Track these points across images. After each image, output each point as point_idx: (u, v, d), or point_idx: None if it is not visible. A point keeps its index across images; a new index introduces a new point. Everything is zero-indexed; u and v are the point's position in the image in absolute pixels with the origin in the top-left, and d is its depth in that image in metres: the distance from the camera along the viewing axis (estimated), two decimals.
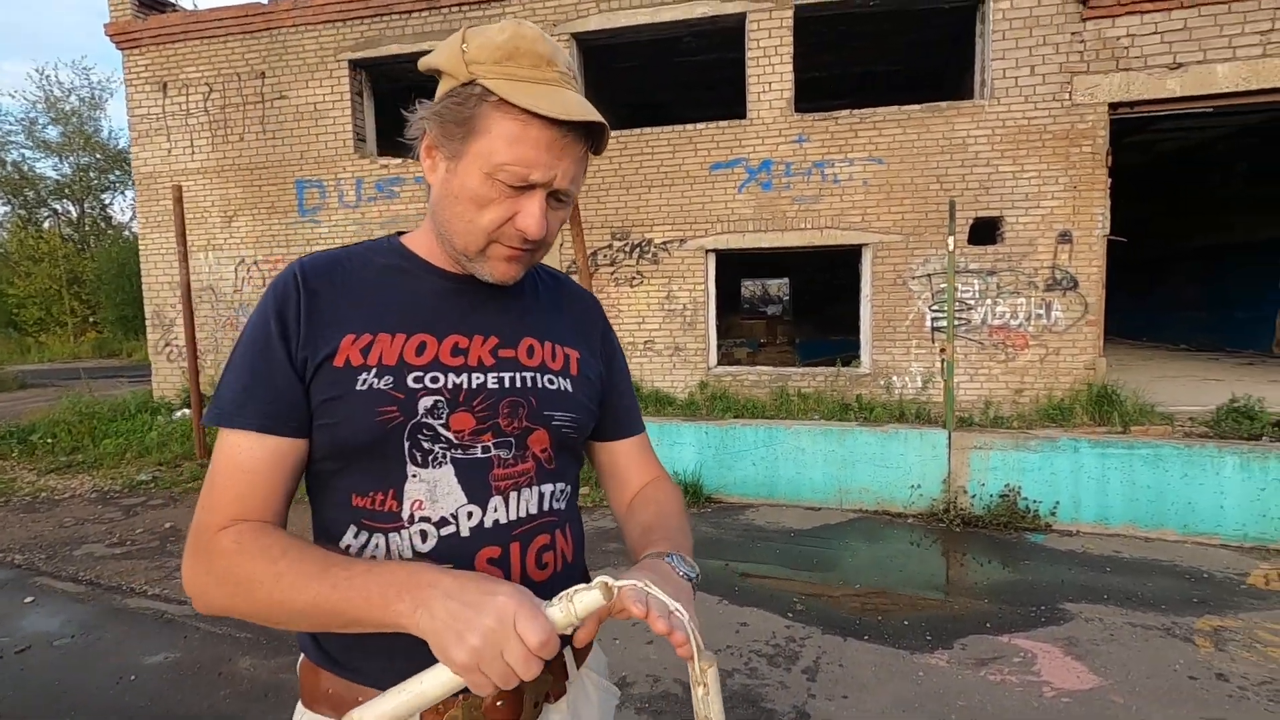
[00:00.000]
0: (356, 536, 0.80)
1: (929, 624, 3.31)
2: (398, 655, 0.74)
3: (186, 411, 8.55)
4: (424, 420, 0.80)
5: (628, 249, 8.13)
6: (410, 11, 8.40)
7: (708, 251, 7.95)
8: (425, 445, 0.80)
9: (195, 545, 0.75)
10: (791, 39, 7.52)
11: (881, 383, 7.52)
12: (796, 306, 16.61)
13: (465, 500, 0.81)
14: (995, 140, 7.07)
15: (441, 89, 0.79)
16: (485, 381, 0.84)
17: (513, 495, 0.84)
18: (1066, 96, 6.86)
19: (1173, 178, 12.20)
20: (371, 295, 0.85)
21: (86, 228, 27.41)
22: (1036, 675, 2.83)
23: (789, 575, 3.92)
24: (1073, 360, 7.07)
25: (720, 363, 8.37)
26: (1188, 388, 7.92)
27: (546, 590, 0.79)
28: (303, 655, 0.87)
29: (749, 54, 7.66)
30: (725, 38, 8.48)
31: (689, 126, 7.92)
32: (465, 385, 0.83)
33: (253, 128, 9.01)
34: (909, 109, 7.28)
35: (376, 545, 0.80)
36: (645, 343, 8.15)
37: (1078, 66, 6.82)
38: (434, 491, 0.80)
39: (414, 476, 0.80)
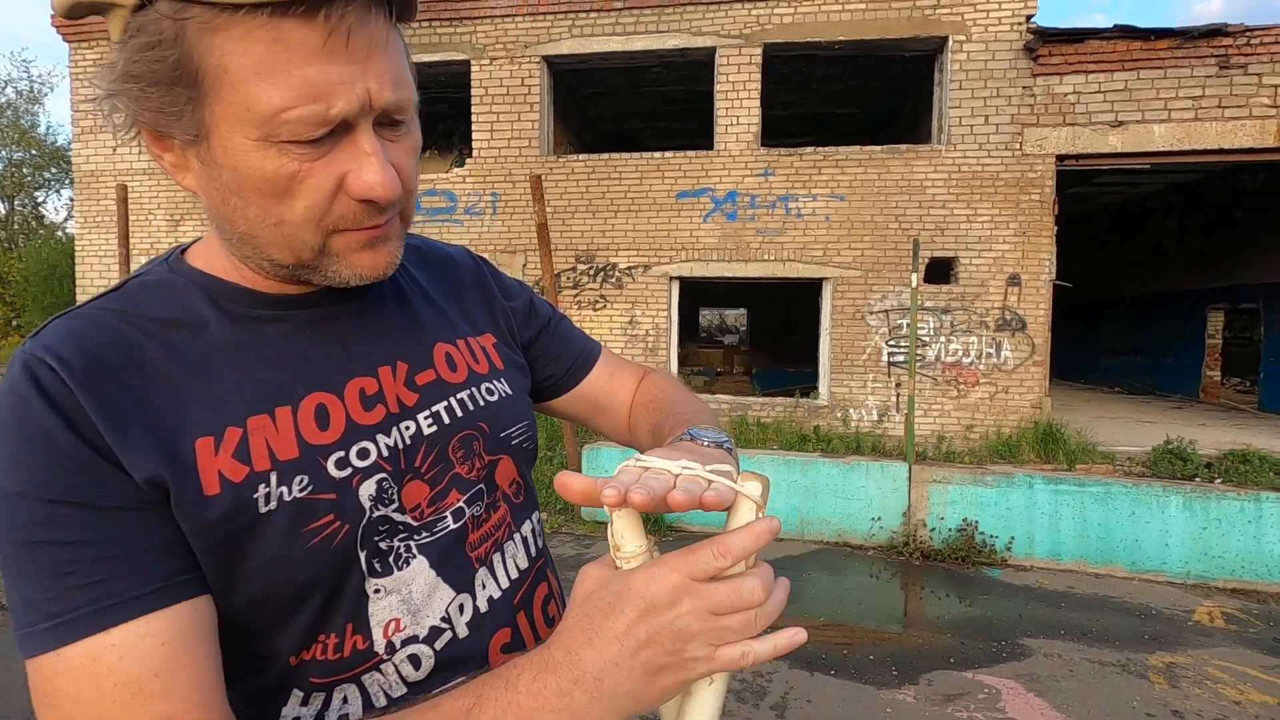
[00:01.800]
0: (307, 703, 0.56)
1: (894, 659, 3.29)
2: None
3: None
4: (376, 515, 0.57)
5: (592, 272, 8.09)
6: None
7: (672, 278, 7.98)
8: (383, 546, 0.58)
9: None
10: (759, 75, 7.70)
11: (839, 414, 7.62)
12: (753, 337, 16.83)
13: (453, 594, 0.62)
14: (951, 184, 7.34)
15: (112, 31, 0.48)
16: (419, 427, 0.62)
17: (496, 559, 0.66)
18: (1018, 146, 7.19)
19: (1110, 229, 12.90)
20: (200, 367, 0.55)
21: (16, 226, 25.98)
22: (1002, 713, 2.83)
23: None
24: (1020, 399, 7.31)
25: None
26: (1125, 428, 8.28)
27: None
28: None
29: (718, 87, 7.80)
30: (694, 70, 8.63)
31: (657, 154, 7.99)
32: (401, 442, 0.61)
33: None
34: (870, 149, 7.51)
35: (345, 699, 0.57)
36: None
37: (1028, 119, 7.17)
38: (410, 601, 0.59)
39: (377, 593, 0.57)
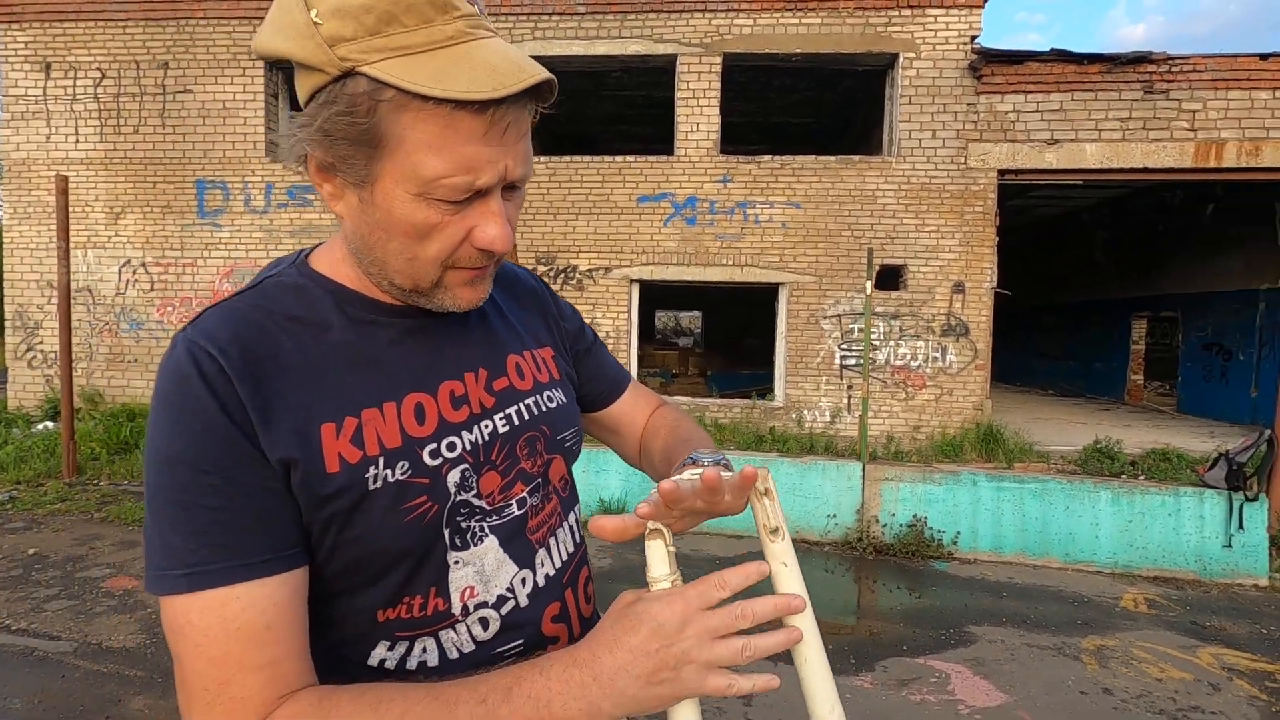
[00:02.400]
0: (392, 649, 0.67)
1: (851, 647, 3.46)
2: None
3: (50, 424, 7.68)
4: (459, 499, 0.68)
5: (553, 274, 8.12)
6: None
7: (632, 281, 8.08)
8: (463, 525, 0.68)
9: None
10: (719, 84, 7.87)
11: (794, 416, 7.85)
12: (708, 339, 17.07)
13: (516, 569, 0.72)
14: (900, 195, 7.66)
15: (305, 86, 0.58)
16: (495, 426, 0.72)
17: (551, 542, 0.77)
18: (963, 160, 7.55)
19: (1044, 240, 13.60)
20: (325, 363, 0.65)
21: None
22: (951, 694, 3.02)
23: None
24: (964, 401, 7.67)
25: None
26: (1058, 429, 8.77)
27: (594, 622, 0.79)
28: None
29: (679, 94, 7.94)
30: (654, 75, 8.76)
31: (618, 158, 8.08)
32: (481, 439, 0.70)
33: (150, 120, 8.36)
34: (825, 159, 7.77)
35: (424, 649, 0.67)
36: None
37: (972, 135, 7.54)
38: (483, 573, 0.69)
39: (456, 564, 0.68)
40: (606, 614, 0.60)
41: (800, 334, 7.84)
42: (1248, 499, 4.51)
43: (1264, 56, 7.13)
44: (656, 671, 0.55)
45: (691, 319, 21.90)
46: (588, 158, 8.14)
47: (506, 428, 0.73)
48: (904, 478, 4.95)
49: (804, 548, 4.96)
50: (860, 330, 7.69)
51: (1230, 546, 4.52)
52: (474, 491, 0.69)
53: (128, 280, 8.45)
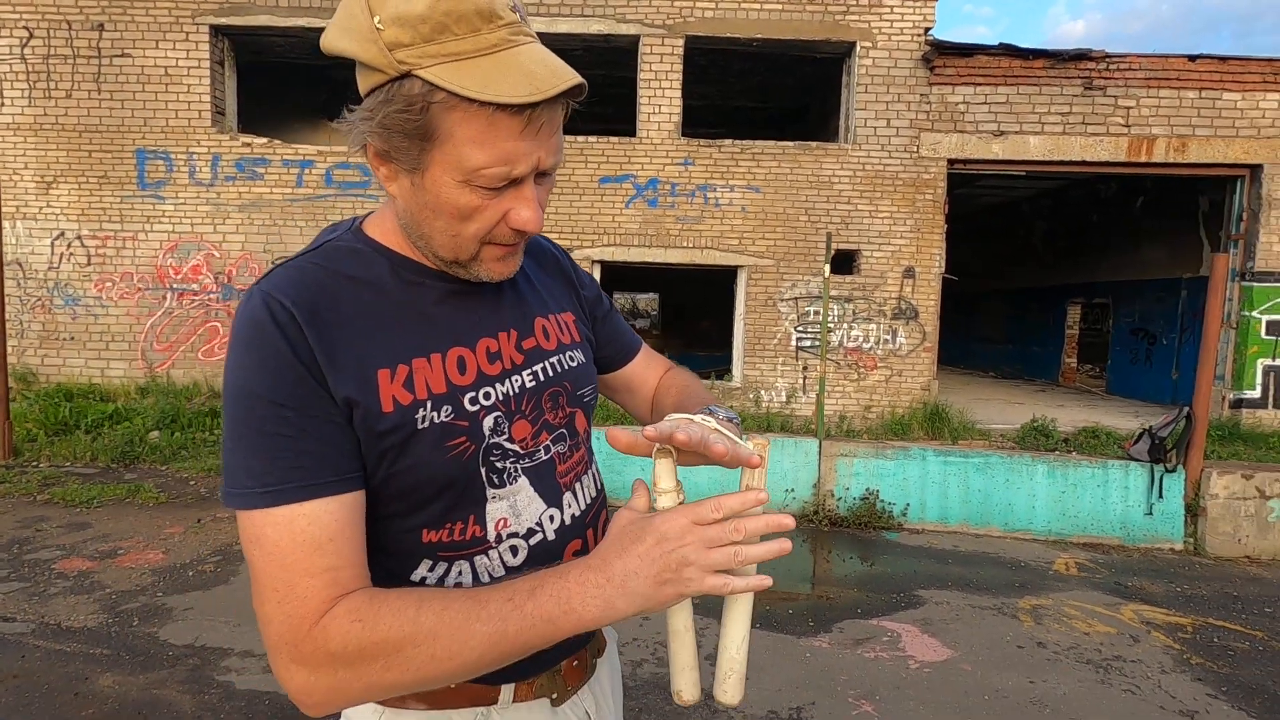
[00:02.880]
0: (433, 569, 0.76)
1: (810, 612, 3.65)
2: None
3: None
4: (492, 441, 0.77)
5: None
6: None
7: (594, 262, 8.10)
8: (498, 465, 0.77)
9: (298, 648, 0.64)
10: (681, 66, 7.92)
11: (751, 396, 8.05)
12: (665, 321, 17.20)
13: (545, 506, 0.81)
14: (856, 181, 7.88)
15: (365, 83, 0.66)
16: (524, 381, 0.81)
17: (577, 487, 0.86)
18: (915, 149, 7.81)
19: (988, 228, 14.14)
20: (381, 317, 0.74)
21: None
22: (902, 651, 3.23)
23: None
24: (913, 381, 8.00)
25: None
26: (998, 408, 9.23)
27: None
28: None
29: (641, 76, 7.96)
30: (616, 56, 8.73)
31: (580, 138, 8.06)
32: (512, 391, 0.80)
33: (84, 85, 7.93)
34: (784, 145, 7.92)
35: (460, 571, 0.77)
36: None
37: (924, 124, 7.80)
38: (515, 507, 0.79)
39: (493, 498, 0.77)
40: (610, 528, 0.69)
41: (758, 316, 8.03)
42: (1167, 471, 4.89)
43: (1192, 58, 7.57)
44: (661, 573, 0.63)
45: (649, 301, 22.00)
46: None
47: (534, 382, 0.82)
48: (858, 453, 5.18)
49: None
50: (816, 313, 7.92)
51: (1151, 514, 4.90)
52: (506, 436, 0.78)
53: (61, 254, 8.05)
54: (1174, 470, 4.89)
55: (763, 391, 8.05)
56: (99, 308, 8.04)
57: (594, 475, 0.91)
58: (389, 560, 0.75)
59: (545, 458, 0.82)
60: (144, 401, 7.52)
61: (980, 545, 4.83)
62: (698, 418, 0.76)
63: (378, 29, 0.62)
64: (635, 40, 7.96)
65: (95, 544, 4.18)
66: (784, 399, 8.05)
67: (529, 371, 0.82)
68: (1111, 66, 7.59)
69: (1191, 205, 9.12)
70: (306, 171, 8.03)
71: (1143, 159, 7.66)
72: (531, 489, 0.80)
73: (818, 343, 7.87)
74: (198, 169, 7.99)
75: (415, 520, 0.74)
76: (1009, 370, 13.74)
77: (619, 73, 9.20)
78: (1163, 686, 3.01)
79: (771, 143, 7.93)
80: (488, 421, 0.76)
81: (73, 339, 8.05)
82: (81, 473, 5.69)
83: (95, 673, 2.75)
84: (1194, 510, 4.92)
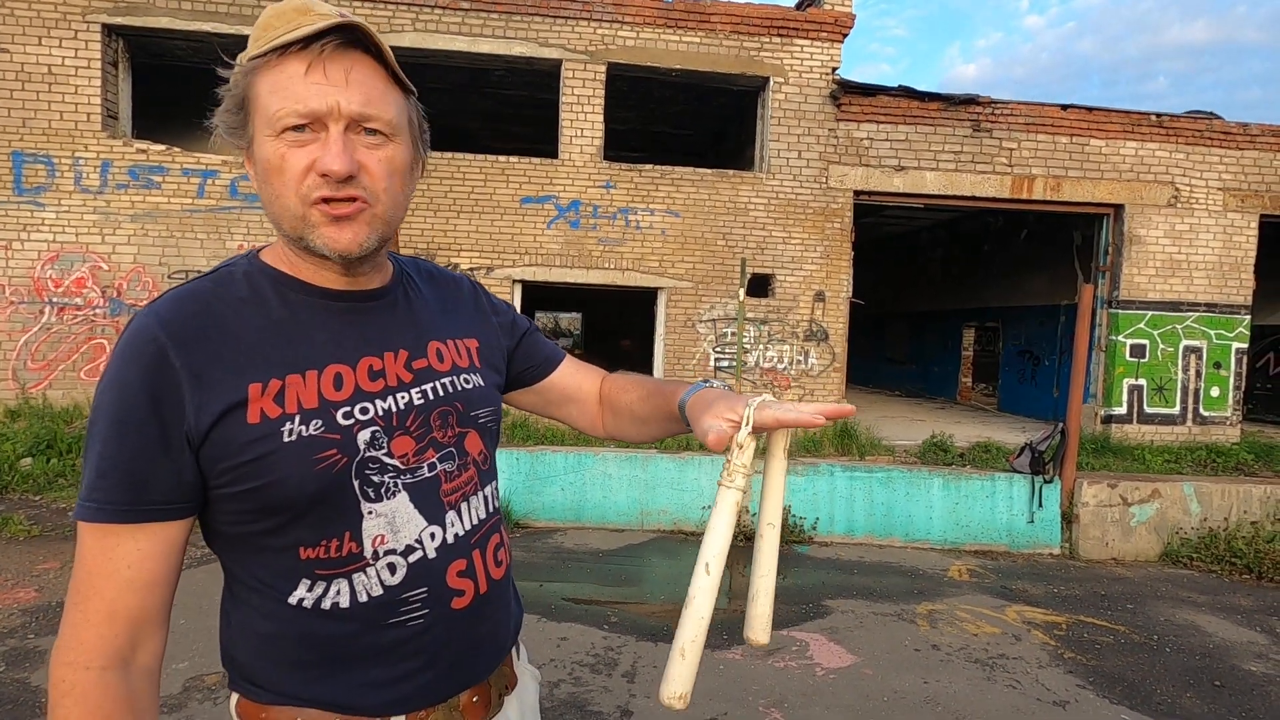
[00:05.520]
0: (311, 589, 0.77)
1: (723, 626, 3.74)
2: (338, 675, 0.78)
3: None
4: (368, 455, 0.78)
5: None
6: None
7: (515, 281, 8.09)
8: (375, 479, 0.78)
9: (70, 655, 0.70)
10: (603, 91, 8.08)
11: None
12: (588, 340, 17.25)
13: (425, 523, 0.81)
14: (770, 209, 8.24)
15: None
16: (410, 399, 0.83)
17: (463, 506, 0.86)
18: (824, 180, 8.25)
19: (891, 255, 15.03)
20: (260, 335, 0.77)
21: None
22: (810, 659, 3.38)
23: (600, 592, 4.16)
24: (823, 400, 8.37)
25: None
26: (902, 425, 9.77)
27: (504, 586, 0.91)
28: (236, 696, 0.82)
29: (564, 99, 8.07)
30: (538, 78, 8.82)
31: (502, 158, 8.06)
32: (395, 408, 0.82)
33: None
34: (703, 171, 8.19)
35: (339, 590, 0.77)
36: None
37: (833, 157, 8.26)
38: (394, 523, 0.79)
39: (369, 514, 0.78)
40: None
41: (678, 337, 8.21)
42: (1045, 482, 5.33)
43: (1064, 107, 8.38)
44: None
45: (571, 320, 21.98)
46: (470, 155, 8.06)
47: (421, 401, 0.85)
48: None
49: (681, 538, 5.26)
50: (733, 334, 8.18)
51: (1033, 522, 5.33)
52: (385, 451, 0.80)
53: None
54: (1051, 481, 5.34)
55: None
56: None
57: (487, 497, 0.91)
58: (269, 576, 0.77)
59: (429, 475, 0.83)
60: (14, 425, 6.89)
61: (883, 555, 5.10)
62: (755, 400, 0.83)
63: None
64: (558, 64, 8.06)
65: None
66: None
67: (418, 390, 0.85)
68: (997, 111, 8.29)
69: (1067, 239, 10.02)
70: (210, 181, 7.65)
71: (1024, 196, 8.38)
72: (411, 505, 0.81)
73: (735, 363, 8.12)
74: (84, 175, 7.46)
75: (290, 536, 0.76)
76: (912, 389, 14.56)
77: (541, 94, 9.29)
78: (1040, 680, 3.28)
79: (690, 169, 8.19)
80: (363, 435, 0.78)
81: None
82: None
83: None
84: (1069, 518, 5.38)
